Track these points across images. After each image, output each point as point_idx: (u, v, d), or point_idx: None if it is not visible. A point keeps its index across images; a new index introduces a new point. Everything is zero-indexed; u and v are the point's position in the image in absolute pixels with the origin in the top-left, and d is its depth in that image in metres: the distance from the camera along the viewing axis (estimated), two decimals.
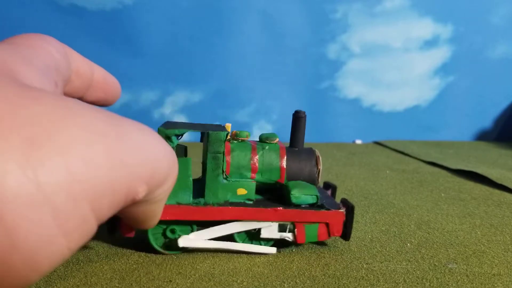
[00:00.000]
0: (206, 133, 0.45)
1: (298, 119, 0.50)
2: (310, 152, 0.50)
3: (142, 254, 0.46)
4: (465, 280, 0.43)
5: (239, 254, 0.47)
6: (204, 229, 0.46)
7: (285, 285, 0.40)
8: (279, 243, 0.48)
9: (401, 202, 0.69)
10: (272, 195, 0.49)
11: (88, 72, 0.40)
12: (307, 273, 0.43)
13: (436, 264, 0.46)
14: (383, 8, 1.36)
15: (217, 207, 0.45)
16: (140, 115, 1.27)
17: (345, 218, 0.47)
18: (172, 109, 1.29)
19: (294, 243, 0.48)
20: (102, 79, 0.42)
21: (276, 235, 0.47)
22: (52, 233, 0.20)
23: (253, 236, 0.47)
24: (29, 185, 0.19)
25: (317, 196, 0.46)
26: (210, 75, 1.28)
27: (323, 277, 0.42)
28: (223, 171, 0.45)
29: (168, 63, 1.26)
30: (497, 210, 0.67)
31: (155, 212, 0.32)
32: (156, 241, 0.46)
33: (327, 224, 0.47)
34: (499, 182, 0.82)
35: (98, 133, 0.22)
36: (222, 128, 0.46)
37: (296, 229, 0.46)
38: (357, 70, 1.39)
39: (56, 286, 0.39)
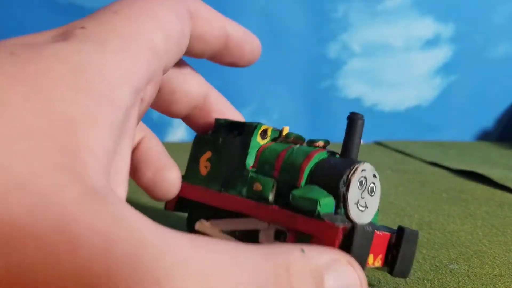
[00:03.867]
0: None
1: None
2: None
3: None
4: (466, 281, 0.42)
5: None
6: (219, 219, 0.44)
7: None
8: None
9: (402, 203, 0.69)
10: None
11: (217, 37, 0.34)
12: None
13: (437, 264, 0.46)
14: (384, 7, 1.35)
15: None
16: None
17: None
18: None
19: None
20: (236, 42, 0.36)
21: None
22: None
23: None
24: None
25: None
26: (210, 74, 1.28)
27: None
28: None
29: None
30: (498, 211, 0.66)
31: None
32: None
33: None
34: (501, 182, 0.81)
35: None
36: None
37: None
38: (358, 70, 1.39)
39: None
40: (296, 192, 0.37)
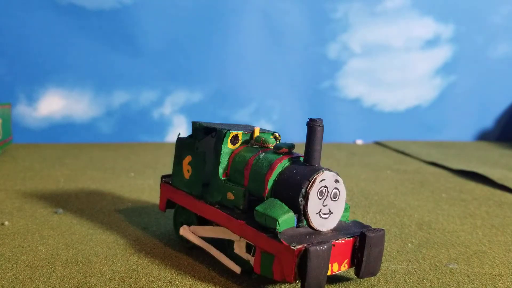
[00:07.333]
0: None
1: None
2: None
3: (142, 255, 0.46)
4: (466, 280, 0.42)
5: None
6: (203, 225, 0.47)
7: (286, 286, 0.40)
8: None
9: (402, 203, 0.69)
10: None
11: None
12: None
13: (437, 264, 0.46)
14: (384, 8, 1.36)
15: None
16: (139, 115, 1.27)
17: None
18: (171, 109, 1.29)
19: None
20: None
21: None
22: None
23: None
24: None
25: None
26: (210, 75, 1.28)
27: None
28: None
29: (168, 63, 1.26)
30: (498, 211, 0.66)
31: None
32: None
33: None
34: (501, 182, 0.81)
35: None
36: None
37: None
38: (357, 70, 1.39)
39: (55, 287, 0.39)
40: (259, 208, 0.38)
